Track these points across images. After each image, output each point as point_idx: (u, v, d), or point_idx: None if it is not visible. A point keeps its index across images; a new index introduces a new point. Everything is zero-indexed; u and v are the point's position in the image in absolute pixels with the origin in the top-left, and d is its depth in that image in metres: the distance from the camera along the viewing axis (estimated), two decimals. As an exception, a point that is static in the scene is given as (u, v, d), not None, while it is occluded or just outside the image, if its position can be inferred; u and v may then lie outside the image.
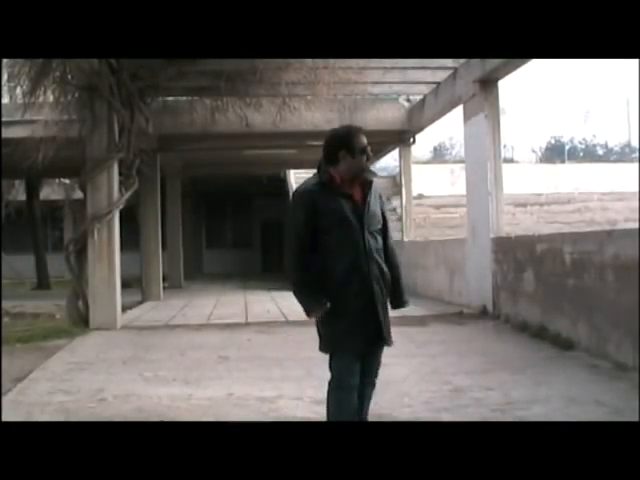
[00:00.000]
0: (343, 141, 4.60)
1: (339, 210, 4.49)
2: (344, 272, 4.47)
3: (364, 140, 4.64)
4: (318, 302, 4.46)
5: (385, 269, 4.66)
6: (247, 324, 12.80)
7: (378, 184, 4.76)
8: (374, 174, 4.81)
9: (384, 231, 4.77)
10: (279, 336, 10.96)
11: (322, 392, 6.75)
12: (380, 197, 4.80)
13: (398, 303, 4.87)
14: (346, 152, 4.55)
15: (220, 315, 14.30)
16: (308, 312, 4.56)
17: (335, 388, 4.57)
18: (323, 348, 4.66)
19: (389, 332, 4.65)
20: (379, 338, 4.59)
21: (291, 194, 4.88)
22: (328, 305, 4.43)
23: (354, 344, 4.51)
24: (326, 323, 4.57)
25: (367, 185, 4.67)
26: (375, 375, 4.79)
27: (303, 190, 4.63)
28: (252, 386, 7.13)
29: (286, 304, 16.15)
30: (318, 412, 6.02)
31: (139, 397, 6.82)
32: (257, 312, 14.65)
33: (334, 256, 4.49)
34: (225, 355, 9.13)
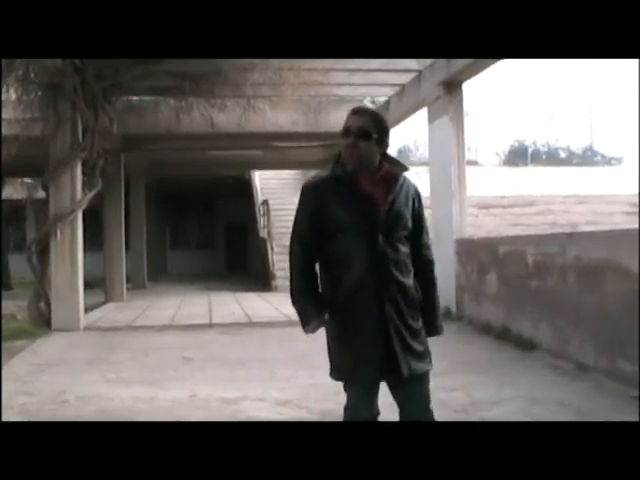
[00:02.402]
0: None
1: (347, 212, 3.65)
2: (349, 291, 3.65)
3: (349, 120, 3.75)
4: (316, 316, 3.71)
5: (409, 286, 3.74)
6: (211, 325, 12.78)
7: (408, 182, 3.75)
8: (406, 168, 3.83)
9: (416, 238, 3.86)
10: (243, 337, 10.93)
11: (286, 393, 6.76)
12: (416, 196, 3.86)
13: (429, 330, 3.91)
14: (341, 136, 3.75)
15: (184, 316, 14.26)
16: (303, 326, 3.78)
17: (349, 418, 3.81)
18: (332, 374, 3.85)
19: (408, 361, 3.69)
20: (394, 369, 3.65)
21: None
22: (327, 318, 3.69)
23: (361, 375, 3.69)
24: (331, 347, 3.81)
25: (394, 182, 3.75)
26: (420, 413, 3.78)
27: (311, 185, 3.87)
28: (215, 387, 7.11)
29: (250, 305, 16.17)
30: (282, 413, 6.02)
31: (102, 399, 6.76)
32: (221, 313, 14.63)
33: (338, 270, 3.69)
34: (189, 356, 9.10)
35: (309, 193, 3.82)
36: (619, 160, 46.56)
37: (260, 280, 24.03)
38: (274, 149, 21.32)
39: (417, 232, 3.87)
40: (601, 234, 8.31)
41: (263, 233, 24.68)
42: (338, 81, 15.29)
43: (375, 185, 3.70)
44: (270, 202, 24.88)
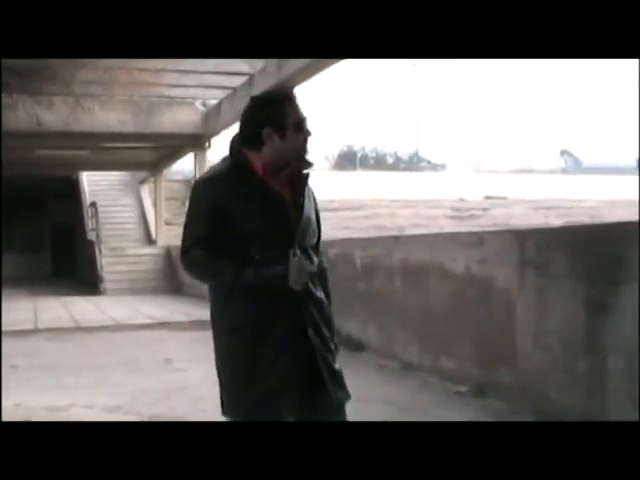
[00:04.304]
0: (269, 113, 3.08)
1: (256, 216, 3.04)
2: (261, 313, 3.06)
3: (300, 111, 3.13)
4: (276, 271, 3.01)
5: (324, 303, 3.31)
6: (37, 330, 12.39)
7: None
8: (309, 164, 3.20)
9: (317, 244, 3.33)
10: (71, 343, 10.65)
11: (115, 399, 6.65)
12: (314, 197, 3.34)
13: None
14: (272, 129, 3.06)
15: (8, 322, 13.68)
16: (289, 285, 3.02)
17: None
18: (228, 413, 3.18)
19: (335, 390, 3.20)
20: (316, 402, 3.15)
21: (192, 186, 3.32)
22: (297, 255, 3.02)
23: (274, 413, 3.06)
24: (231, 383, 3.16)
25: (299, 180, 3.17)
26: None
27: (207, 181, 3.17)
28: (42, 395, 6.90)
29: (78, 310, 15.76)
30: (111, 419, 5.92)
31: None
32: (47, 318, 14.19)
33: (242, 293, 3.06)
34: (14, 364, 8.78)
35: (205, 190, 3.14)
36: (443, 166, 48.26)
37: (88, 284, 23.47)
38: (103, 149, 20.89)
39: (318, 237, 3.36)
40: (425, 237, 8.62)
41: (91, 235, 24.12)
42: (170, 82, 15.17)
43: (282, 185, 3.12)
44: (99, 204, 24.35)
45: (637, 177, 32.93)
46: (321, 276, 3.33)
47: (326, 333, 3.28)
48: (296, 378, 3.09)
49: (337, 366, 3.27)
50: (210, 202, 3.06)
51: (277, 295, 3.02)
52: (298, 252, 3.01)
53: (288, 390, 3.07)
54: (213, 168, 3.25)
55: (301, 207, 3.13)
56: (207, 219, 3.06)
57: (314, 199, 3.31)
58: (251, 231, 3.02)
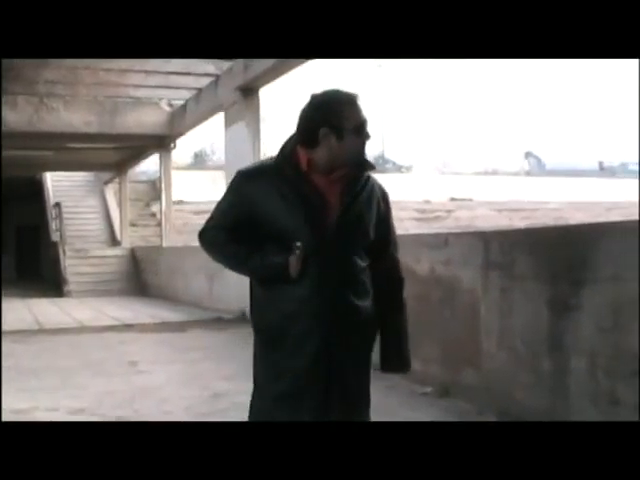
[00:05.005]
0: (328, 113, 2.93)
1: (290, 215, 2.93)
2: (281, 320, 2.97)
3: (362, 114, 2.97)
4: (277, 260, 2.94)
5: (365, 312, 3.05)
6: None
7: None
8: (371, 166, 3.10)
9: (381, 250, 3.16)
10: (34, 345, 10.53)
11: (79, 402, 6.60)
12: (382, 199, 3.17)
13: (393, 364, 3.32)
14: (331, 131, 2.91)
15: (-31, 324, 13.61)
16: (285, 278, 2.94)
17: None
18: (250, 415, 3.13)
19: (354, 405, 3.09)
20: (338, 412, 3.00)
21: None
22: (299, 247, 2.88)
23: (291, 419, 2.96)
24: (255, 388, 3.12)
25: (355, 182, 3.03)
26: None
27: (245, 173, 3.10)
28: (5, 398, 6.82)
29: (42, 312, 15.64)
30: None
31: None
32: (10, 320, 14.03)
33: (273, 288, 3.00)
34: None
35: (239, 183, 3.07)
36: (409, 168, 48.41)
37: (53, 285, 23.28)
38: (68, 150, 20.73)
39: (382, 243, 3.16)
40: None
41: (55, 237, 23.95)
42: (135, 82, 15.10)
43: (331, 185, 2.99)
44: (63, 205, 24.17)
45: (599, 180, 33.33)
46: (390, 284, 3.22)
47: (356, 342, 3.05)
48: (314, 385, 2.95)
49: (359, 393, 3.12)
50: (240, 196, 3.02)
51: (299, 296, 2.93)
52: (300, 245, 2.86)
53: (302, 395, 2.96)
54: (260, 163, 3.21)
55: (346, 210, 2.96)
56: (232, 211, 3.04)
57: (381, 202, 3.14)
58: (282, 228, 2.93)
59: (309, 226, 2.91)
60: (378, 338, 3.23)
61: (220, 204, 3.13)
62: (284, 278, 2.91)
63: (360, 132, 2.96)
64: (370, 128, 3.00)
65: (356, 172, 3.02)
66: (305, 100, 3.04)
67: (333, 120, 2.91)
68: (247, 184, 3.02)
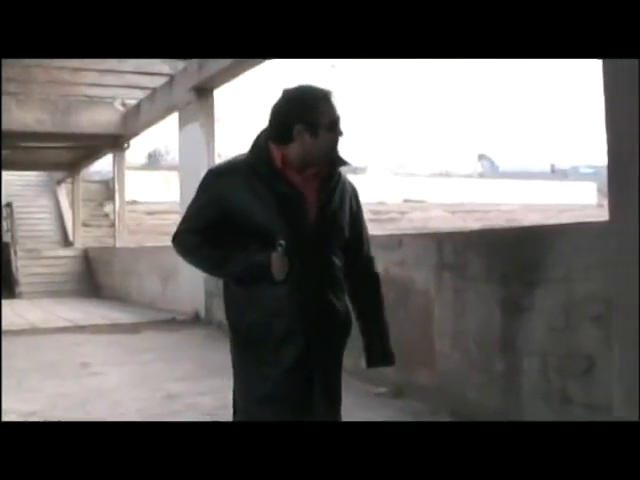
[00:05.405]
0: (303, 109, 2.87)
1: (267, 212, 2.86)
2: (262, 319, 2.91)
3: (336, 110, 2.91)
4: (259, 257, 2.86)
5: (342, 312, 3.09)
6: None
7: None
8: (345, 162, 3.05)
9: (356, 249, 3.15)
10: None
11: (31, 405, 6.52)
12: (354, 197, 3.19)
13: (379, 358, 3.44)
14: (305, 127, 2.85)
15: None
16: (271, 278, 2.87)
17: None
18: (234, 415, 3.11)
19: (332, 405, 3.11)
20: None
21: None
22: (282, 245, 2.81)
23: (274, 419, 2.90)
24: (238, 389, 3.07)
25: (329, 179, 2.99)
26: None
27: (217, 171, 3.05)
28: (-46, 400, 6.74)
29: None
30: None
31: None
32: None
33: (250, 289, 2.95)
34: None
35: (211, 181, 3.00)
36: (363, 169, 48.53)
37: (4, 286, 22.97)
38: (20, 149, 20.48)
39: (357, 241, 3.15)
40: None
41: (6, 237, 23.64)
42: (89, 81, 14.96)
43: (306, 182, 2.93)
44: (14, 205, 23.88)
45: (550, 183, 33.73)
46: (367, 282, 3.23)
47: (337, 349, 3.13)
48: (297, 388, 2.94)
49: (338, 389, 3.17)
50: (213, 194, 2.95)
51: (280, 296, 2.88)
52: (283, 243, 2.80)
53: (286, 398, 2.93)
54: (231, 160, 3.08)
55: (323, 208, 2.93)
56: (204, 212, 2.97)
57: (352, 199, 3.15)
58: (259, 227, 2.86)
59: (289, 224, 2.85)
60: (358, 335, 3.25)
61: (191, 206, 3.07)
62: (269, 277, 2.86)
63: (334, 129, 2.90)
64: (343, 124, 2.95)
65: (329, 169, 2.98)
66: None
67: (308, 116, 2.85)
68: (219, 182, 2.95)
